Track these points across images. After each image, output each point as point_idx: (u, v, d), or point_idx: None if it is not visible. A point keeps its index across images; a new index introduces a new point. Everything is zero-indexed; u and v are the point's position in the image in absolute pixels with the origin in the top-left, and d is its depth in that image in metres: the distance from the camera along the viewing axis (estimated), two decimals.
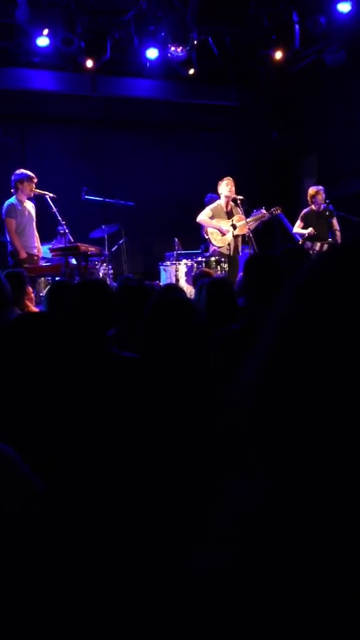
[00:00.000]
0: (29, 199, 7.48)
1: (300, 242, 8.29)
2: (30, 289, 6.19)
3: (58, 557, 1.17)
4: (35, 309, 5.49)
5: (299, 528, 0.58)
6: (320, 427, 0.56)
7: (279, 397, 0.59)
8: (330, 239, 8.31)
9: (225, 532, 0.63)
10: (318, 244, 8.19)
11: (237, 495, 0.64)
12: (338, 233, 8.36)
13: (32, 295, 6.27)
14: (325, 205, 8.32)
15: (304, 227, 8.34)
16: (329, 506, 0.56)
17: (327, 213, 8.32)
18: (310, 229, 8.24)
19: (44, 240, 8.65)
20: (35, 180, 7.36)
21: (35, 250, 7.59)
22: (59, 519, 1.34)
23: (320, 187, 8.41)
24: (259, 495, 0.61)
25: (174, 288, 4.80)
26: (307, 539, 0.57)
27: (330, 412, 0.56)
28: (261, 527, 0.60)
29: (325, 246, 8.17)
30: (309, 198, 8.40)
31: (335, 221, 8.36)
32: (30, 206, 7.50)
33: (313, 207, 8.35)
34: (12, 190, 7.38)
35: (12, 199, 7.32)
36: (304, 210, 8.43)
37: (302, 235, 8.33)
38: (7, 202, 7.31)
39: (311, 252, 8.00)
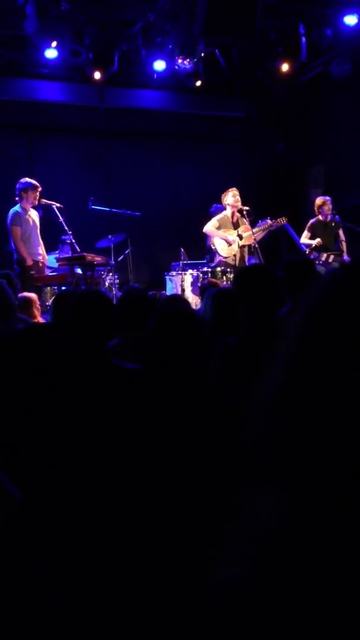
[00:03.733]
0: (33, 207, 7.52)
1: (307, 252, 8.29)
2: (37, 298, 6.22)
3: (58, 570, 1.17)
4: (41, 319, 5.52)
5: (319, 542, 0.58)
6: (341, 444, 0.56)
7: (298, 416, 0.60)
8: (336, 250, 8.31)
9: (245, 547, 0.63)
10: (324, 255, 8.19)
11: (255, 511, 0.64)
12: (344, 244, 8.37)
13: (39, 304, 6.30)
14: (331, 215, 8.33)
15: (311, 238, 8.34)
16: (348, 521, 0.57)
17: (334, 224, 8.33)
18: (317, 240, 8.24)
19: (49, 249, 8.69)
20: (40, 189, 7.40)
21: (40, 257, 7.60)
22: (57, 530, 1.35)
23: (327, 198, 8.42)
24: (278, 510, 0.62)
25: (178, 299, 4.80)
26: (327, 552, 0.57)
27: (350, 431, 0.56)
28: (281, 541, 0.60)
29: (332, 257, 8.17)
30: (315, 208, 8.42)
31: (341, 232, 8.37)
32: (34, 215, 7.53)
33: (320, 217, 8.36)
34: (16, 199, 7.40)
35: (17, 207, 7.35)
36: (311, 221, 8.44)
37: (308, 245, 8.33)
38: (12, 211, 7.35)
39: (318, 262, 8.01)
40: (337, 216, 8.38)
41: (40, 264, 7.55)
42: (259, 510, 0.64)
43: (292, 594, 0.57)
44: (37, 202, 7.41)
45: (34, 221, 7.49)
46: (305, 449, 0.59)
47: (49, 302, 6.81)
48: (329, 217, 8.33)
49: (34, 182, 7.39)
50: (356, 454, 0.56)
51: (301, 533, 0.59)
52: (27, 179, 7.42)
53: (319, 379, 0.59)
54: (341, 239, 8.37)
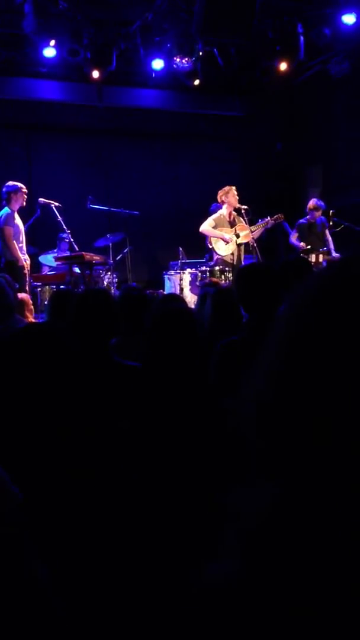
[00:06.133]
0: (20, 210, 7.47)
1: (301, 254, 8.40)
2: (29, 300, 6.20)
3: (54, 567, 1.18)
4: (32, 319, 5.49)
5: (307, 533, 0.58)
6: (329, 433, 0.56)
7: (288, 405, 0.60)
8: (324, 249, 8.41)
9: (234, 540, 0.63)
10: (313, 256, 8.26)
11: (243, 503, 0.65)
12: (331, 243, 8.50)
13: (32, 307, 6.28)
14: (319, 220, 8.46)
15: (299, 238, 8.51)
16: (336, 511, 0.57)
17: (320, 226, 8.48)
18: (302, 244, 8.41)
19: (48, 248, 8.69)
20: (26, 191, 7.38)
21: (26, 259, 7.50)
22: (58, 529, 1.35)
23: (322, 205, 8.49)
24: (266, 502, 0.62)
25: (174, 297, 4.80)
26: (315, 543, 0.57)
27: (340, 420, 0.56)
28: (269, 533, 0.60)
29: (321, 257, 8.27)
30: (307, 209, 8.53)
31: (327, 233, 8.49)
32: (19, 218, 7.49)
33: (308, 217, 8.49)
34: (3, 202, 7.36)
35: (7, 210, 7.31)
36: (300, 221, 8.57)
37: (297, 246, 8.46)
38: (3, 212, 7.30)
39: None
40: (321, 217, 8.48)
41: (26, 269, 7.43)
42: (248, 503, 0.64)
43: (281, 589, 0.58)
44: (24, 204, 7.39)
45: (21, 224, 7.46)
46: (297, 439, 0.59)
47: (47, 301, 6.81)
48: (317, 220, 8.46)
49: (20, 184, 7.39)
50: (350, 443, 0.56)
51: (290, 523, 0.59)
52: (13, 182, 7.39)
53: (313, 367, 0.59)
54: (327, 238, 8.49)
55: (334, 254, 8.41)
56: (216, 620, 0.60)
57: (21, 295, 5.58)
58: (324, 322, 0.59)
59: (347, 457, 0.56)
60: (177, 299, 4.37)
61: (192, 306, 6.17)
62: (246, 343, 2.64)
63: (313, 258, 8.23)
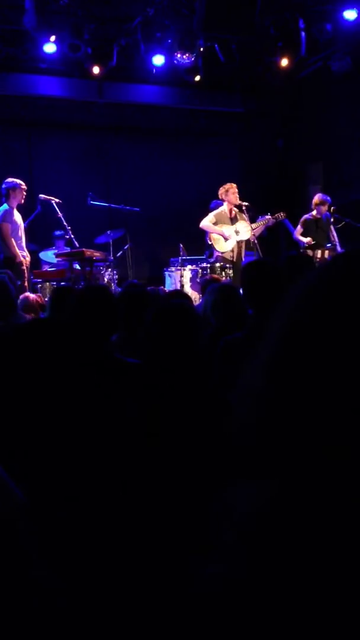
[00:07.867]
0: (18, 207, 7.47)
1: (301, 250, 8.34)
2: (41, 300, 6.17)
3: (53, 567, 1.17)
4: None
5: (304, 529, 0.58)
6: (325, 429, 0.56)
7: (284, 400, 0.59)
8: (329, 245, 8.37)
9: (232, 537, 0.63)
10: (319, 252, 8.23)
11: (241, 500, 0.64)
12: (335, 240, 8.46)
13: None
14: (325, 215, 8.41)
15: (303, 234, 8.42)
16: (333, 506, 0.57)
17: (326, 221, 8.42)
18: (308, 239, 8.31)
19: (48, 245, 8.68)
20: (25, 188, 7.38)
21: (26, 256, 7.48)
22: (59, 530, 1.35)
23: (328, 199, 8.43)
24: (263, 498, 0.61)
25: (180, 294, 4.79)
26: (312, 539, 0.57)
27: (334, 415, 0.56)
28: (269, 532, 0.60)
29: (327, 252, 8.22)
30: (313, 204, 8.46)
31: (333, 229, 8.44)
32: (18, 214, 7.48)
33: (314, 213, 8.41)
34: (2, 199, 7.35)
35: (5, 206, 7.31)
36: (305, 216, 8.50)
37: (302, 242, 8.40)
38: (1, 209, 7.29)
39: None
40: (327, 212, 8.44)
41: (25, 265, 7.42)
42: (244, 498, 0.64)
43: (281, 588, 0.57)
44: (23, 201, 7.38)
45: (20, 221, 7.45)
46: (293, 435, 0.59)
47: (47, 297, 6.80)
48: (323, 216, 8.41)
49: (19, 181, 7.39)
50: (345, 438, 0.55)
51: (287, 519, 0.59)
52: (13, 179, 7.40)
53: (312, 359, 0.58)
54: (333, 234, 8.45)
55: (339, 250, 8.39)
56: (216, 620, 0.59)
57: (33, 295, 5.57)
58: (324, 314, 0.59)
59: (348, 452, 0.55)
60: (182, 296, 4.36)
61: (194, 303, 6.16)
62: (250, 339, 2.64)
63: (319, 254, 8.20)
